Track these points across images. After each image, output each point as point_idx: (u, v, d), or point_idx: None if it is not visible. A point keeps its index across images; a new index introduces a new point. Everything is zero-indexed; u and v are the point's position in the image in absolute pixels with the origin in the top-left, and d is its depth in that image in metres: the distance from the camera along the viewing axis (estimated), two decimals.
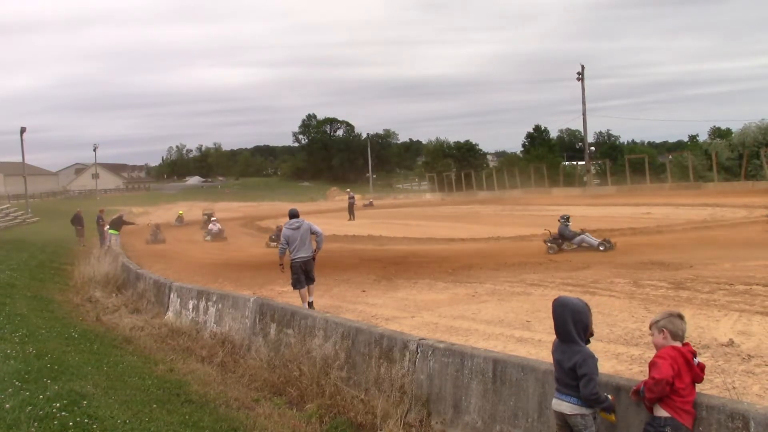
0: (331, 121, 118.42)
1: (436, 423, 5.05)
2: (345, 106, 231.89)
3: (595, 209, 29.53)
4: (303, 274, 9.88)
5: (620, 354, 6.68)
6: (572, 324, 3.72)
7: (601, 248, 15.08)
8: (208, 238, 26.88)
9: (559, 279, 11.51)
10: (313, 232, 9.96)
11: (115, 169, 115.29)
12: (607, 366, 6.22)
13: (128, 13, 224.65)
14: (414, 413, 5.23)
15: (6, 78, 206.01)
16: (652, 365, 3.52)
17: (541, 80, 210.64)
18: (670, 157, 52.99)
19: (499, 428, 4.59)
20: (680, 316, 3.63)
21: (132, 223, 27.14)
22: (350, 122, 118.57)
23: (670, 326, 3.57)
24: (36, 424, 4.52)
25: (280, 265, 10.11)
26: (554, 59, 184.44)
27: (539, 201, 41.33)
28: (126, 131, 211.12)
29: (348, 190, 49.67)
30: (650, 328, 3.68)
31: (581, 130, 64.42)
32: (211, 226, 27.78)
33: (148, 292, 12.34)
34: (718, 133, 58.96)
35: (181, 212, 41.57)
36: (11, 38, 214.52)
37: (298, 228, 9.90)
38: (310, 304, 9.89)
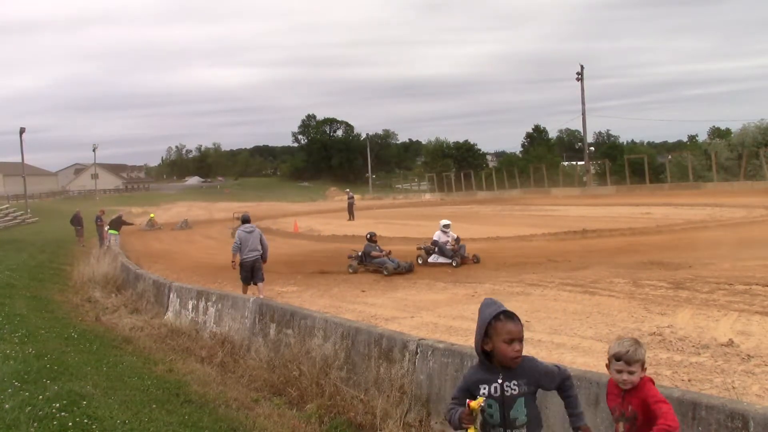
0: (331, 122, 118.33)
1: (436, 423, 5.05)
2: (345, 106, 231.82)
3: (594, 209, 29.53)
4: (249, 272, 11.39)
5: None
6: None
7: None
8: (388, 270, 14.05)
9: (558, 279, 11.50)
10: (261, 243, 11.48)
11: (115, 169, 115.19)
12: None
13: (128, 13, 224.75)
14: (414, 413, 5.23)
15: (6, 78, 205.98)
16: (657, 409, 2.86)
17: (540, 80, 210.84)
18: (670, 157, 53.02)
19: None
20: (639, 342, 3.05)
21: (131, 224, 27.31)
22: (350, 122, 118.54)
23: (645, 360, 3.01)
24: (35, 424, 4.52)
25: (233, 262, 11.55)
26: (554, 59, 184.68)
27: (539, 201, 41.35)
28: (125, 131, 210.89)
29: (347, 190, 49.61)
30: (630, 364, 2.91)
31: (581, 130, 64.57)
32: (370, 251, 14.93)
33: (148, 293, 12.34)
34: (717, 133, 59.08)
35: (152, 215, 38.60)
36: (11, 38, 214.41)
37: (251, 232, 11.46)
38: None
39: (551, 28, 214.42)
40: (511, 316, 2.82)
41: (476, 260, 14.80)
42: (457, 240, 15.20)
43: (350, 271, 14.74)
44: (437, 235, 15.33)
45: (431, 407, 5.15)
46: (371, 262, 14.61)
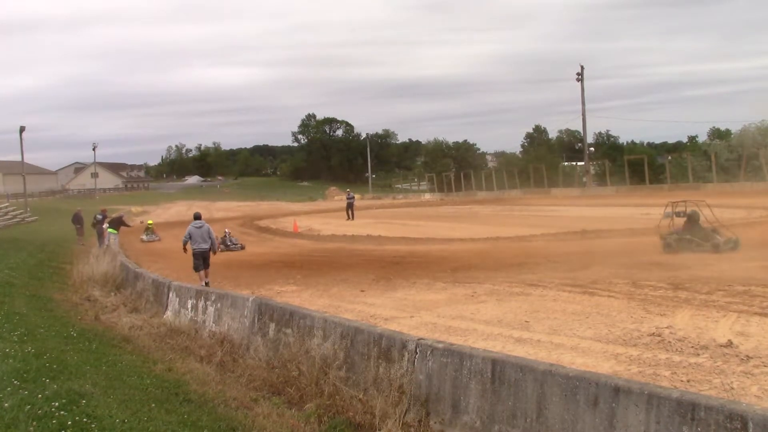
0: (331, 121, 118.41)
1: (435, 423, 5.05)
2: (344, 106, 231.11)
3: (594, 210, 29.53)
4: (201, 260, 13.20)
5: (619, 354, 6.68)
6: None
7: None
8: None
9: (557, 279, 11.50)
10: (209, 236, 13.26)
11: (114, 168, 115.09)
12: (605, 366, 6.23)
13: (128, 13, 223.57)
14: (413, 413, 5.23)
15: (6, 78, 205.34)
16: None
17: (540, 80, 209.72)
18: (670, 157, 52.97)
19: (497, 428, 4.60)
20: None
21: (130, 225, 27.32)
22: (349, 122, 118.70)
23: None
24: (35, 423, 4.52)
25: (184, 250, 13.52)
26: (554, 59, 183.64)
27: (538, 201, 41.36)
28: (125, 130, 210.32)
29: (347, 189, 49.57)
30: None
31: (580, 130, 64.47)
32: None
33: (147, 292, 12.35)
34: (717, 134, 59.18)
35: (150, 222, 29.21)
36: (11, 38, 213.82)
37: (200, 227, 13.30)
38: (207, 284, 12.75)
39: (551, 28, 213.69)
40: None
41: None
42: None
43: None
44: None
45: (430, 407, 5.15)
46: None
